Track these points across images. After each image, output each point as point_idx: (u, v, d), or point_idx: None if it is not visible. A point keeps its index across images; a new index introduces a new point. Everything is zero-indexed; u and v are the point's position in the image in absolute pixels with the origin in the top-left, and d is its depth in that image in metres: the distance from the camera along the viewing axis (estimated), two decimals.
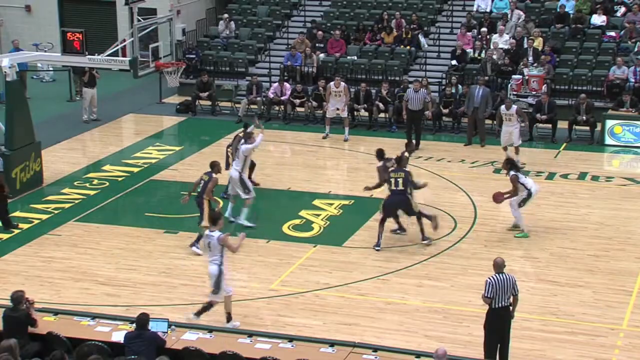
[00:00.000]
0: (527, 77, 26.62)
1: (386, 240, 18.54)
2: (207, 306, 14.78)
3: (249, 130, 20.10)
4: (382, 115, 26.67)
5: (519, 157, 22.44)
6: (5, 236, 19.01)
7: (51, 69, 31.88)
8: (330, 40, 29.65)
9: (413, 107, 24.60)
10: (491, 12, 30.39)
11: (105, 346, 12.74)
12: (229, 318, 14.83)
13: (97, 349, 12.47)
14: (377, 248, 18.11)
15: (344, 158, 24.40)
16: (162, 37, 25.96)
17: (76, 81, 29.33)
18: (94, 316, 13.97)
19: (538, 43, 27.91)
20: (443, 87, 27.11)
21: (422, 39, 29.76)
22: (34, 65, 30.42)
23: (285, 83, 27.78)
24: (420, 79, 25.82)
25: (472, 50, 28.63)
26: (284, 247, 18.29)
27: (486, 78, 26.32)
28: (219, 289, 14.68)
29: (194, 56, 29.85)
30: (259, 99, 27.62)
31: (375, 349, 13.01)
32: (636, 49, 27.50)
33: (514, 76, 26.91)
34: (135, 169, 23.20)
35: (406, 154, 19.23)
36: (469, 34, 29.17)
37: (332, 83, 25.74)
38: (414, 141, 23.44)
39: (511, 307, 13.24)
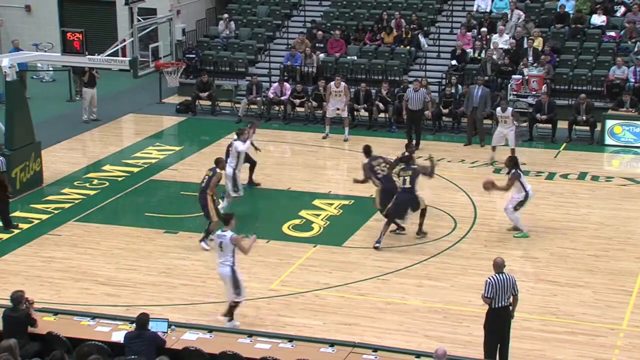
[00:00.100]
0: (527, 77, 26.62)
1: (386, 240, 18.53)
2: (234, 304, 14.75)
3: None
4: (382, 115, 26.67)
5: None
6: (5, 236, 19.01)
7: (51, 69, 31.88)
8: (330, 40, 29.65)
9: (413, 107, 24.61)
10: (491, 12, 30.39)
11: (105, 346, 12.75)
12: (230, 317, 14.83)
13: (97, 349, 12.47)
14: (377, 245, 18.11)
15: (344, 158, 24.40)
16: (162, 37, 25.97)
17: (76, 81, 29.33)
18: (94, 316, 13.98)
19: (538, 43, 27.91)
20: (443, 87, 27.11)
21: (422, 39, 29.76)
22: (34, 65, 30.42)
23: (285, 83, 27.78)
24: (420, 79, 25.83)
25: (472, 50, 28.63)
26: (284, 247, 18.28)
27: (486, 78, 26.32)
28: (240, 288, 14.68)
29: (194, 56, 29.85)
30: (259, 99, 27.61)
31: (375, 349, 13.01)
32: (636, 49, 27.50)
33: (514, 76, 26.91)
34: (135, 169, 23.20)
35: (406, 154, 19.27)
36: (469, 34, 29.17)
37: (332, 83, 25.74)
38: (414, 141, 23.47)
39: (511, 307, 13.25)
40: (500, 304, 13.04)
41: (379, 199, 18.77)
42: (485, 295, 13.01)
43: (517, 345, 13.89)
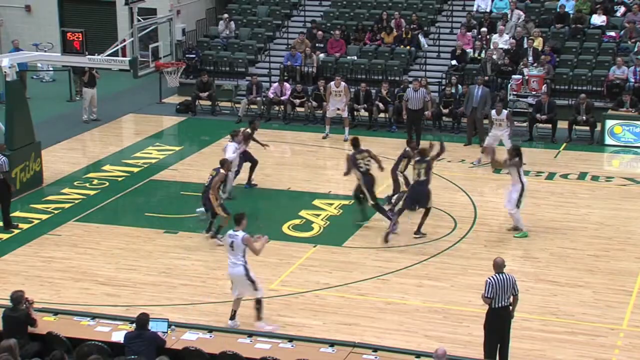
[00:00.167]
0: (527, 77, 26.62)
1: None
2: (258, 305, 14.73)
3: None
4: (382, 115, 26.68)
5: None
6: (5, 236, 19.01)
7: (51, 69, 31.88)
8: (330, 40, 29.65)
9: (413, 107, 24.64)
10: (491, 12, 30.39)
11: (105, 346, 12.75)
12: (232, 316, 14.83)
13: (97, 349, 12.47)
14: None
15: (344, 158, 24.35)
16: (162, 37, 25.98)
17: (76, 81, 29.33)
18: (94, 316, 13.97)
19: (538, 43, 27.91)
20: (443, 87, 27.11)
21: (422, 39, 29.76)
22: (34, 65, 30.42)
23: (285, 83, 27.79)
24: (419, 79, 25.85)
25: (472, 50, 28.63)
26: (284, 247, 18.28)
27: (486, 78, 26.32)
28: (255, 283, 14.68)
29: (194, 56, 29.85)
30: (259, 99, 27.62)
31: (375, 349, 13.01)
32: (636, 49, 27.50)
33: (514, 76, 26.91)
34: (135, 169, 23.20)
35: (408, 148, 19.51)
36: (469, 34, 29.17)
37: (332, 83, 25.76)
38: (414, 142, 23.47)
39: (511, 307, 13.24)
40: (500, 304, 13.03)
41: (367, 193, 18.99)
42: (485, 295, 13.01)
43: (517, 345, 13.89)
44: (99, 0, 34.05)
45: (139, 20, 23.01)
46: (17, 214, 19.87)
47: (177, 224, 19.63)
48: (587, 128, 25.19)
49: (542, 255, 17.87)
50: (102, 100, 27.80)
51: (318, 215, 19.95)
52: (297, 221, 19.62)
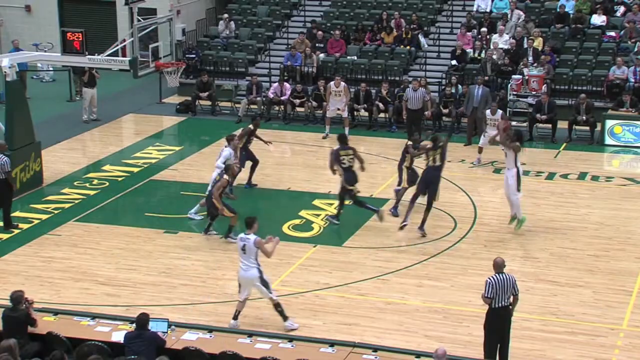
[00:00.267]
0: (527, 77, 26.62)
1: (385, 240, 18.58)
2: (278, 306, 14.72)
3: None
4: (382, 115, 26.68)
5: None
6: (5, 236, 19.00)
7: (51, 69, 31.88)
8: (330, 40, 29.65)
9: (412, 107, 24.67)
10: (491, 12, 30.39)
11: (105, 346, 12.75)
12: (235, 317, 14.84)
13: (97, 349, 12.47)
14: (405, 223, 18.72)
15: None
16: (162, 37, 25.97)
17: (76, 81, 29.33)
18: (94, 316, 13.98)
19: (538, 43, 27.91)
20: (443, 87, 27.11)
21: (422, 39, 29.76)
22: (34, 65, 30.41)
23: (285, 83, 27.79)
24: (418, 79, 25.86)
25: (472, 50, 28.63)
26: (284, 247, 18.17)
27: (486, 78, 26.32)
28: (269, 286, 14.71)
29: (194, 56, 29.85)
30: (259, 99, 27.62)
31: (375, 349, 13.02)
32: (636, 49, 27.50)
33: (514, 76, 26.91)
34: (135, 169, 23.20)
35: (409, 143, 19.84)
36: (469, 34, 29.17)
37: (332, 83, 25.76)
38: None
39: (511, 307, 13.24)
40: (500, 304, 13.03)
41: (344, 187, 19.18)
42: (486, 295, 13.01)
43: (517, 345, 13.89)
44: (99, 0, 34.05)
45: (139, 20, 23.01)
46: (17, 214, 19.86)
47: (177, 224, 19.63)
48: (587, 128, 25.19)
49: (542, 255, 17.87)
50: (102, 100, 27.80)
51: (318, 215, 19.94)
52: (297, 221, 19.62)
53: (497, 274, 13.08)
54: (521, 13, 29.77)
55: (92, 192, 21.54)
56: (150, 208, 20.69)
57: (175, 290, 16.45)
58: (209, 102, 28.20)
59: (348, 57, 29.24)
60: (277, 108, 27.62)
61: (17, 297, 13.19)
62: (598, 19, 29.00)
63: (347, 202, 19.45)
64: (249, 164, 21.39)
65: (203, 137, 26.13)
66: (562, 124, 25.10)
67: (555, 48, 28.16)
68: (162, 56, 24.94)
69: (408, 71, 28.86)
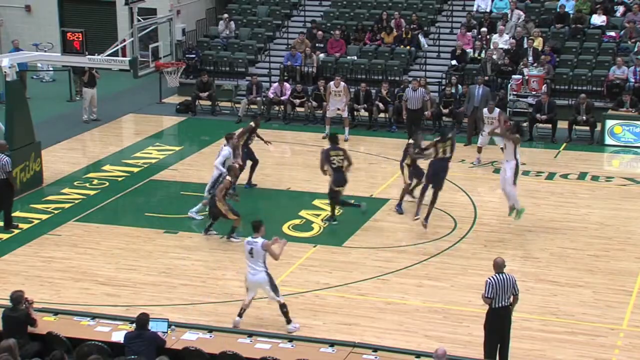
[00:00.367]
0: (527, 77, 26.62)
1: (385, 240, 18.59)
2: (284, 307, 14.70)
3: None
4: (382, 115, 26.68)
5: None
6: (5, 236, 19.00)
7: (51, 69, 31.88)
8: (330, 40, 29.65)
9: (412, 106, 24.68)
10: (491, 12, 30.39)
11: (105, 346, 12.75)
12: (240, 314, 14.84)
13: (97, 349, 12.47)
14: (417, 217, 18.91)
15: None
16: (162, 37, 25.97)
17: (76, 81, 29.33)
18: (94, 316, 13.97)
19: (538, 43, 27.91)
20: (443, 87, 27.11)
21: (422, 39, 29.76)
22: (34, 65, 30.41)
23: (285, 83, 27.79)
24: (418, 79, 25.87)
25: (472, 50, 28.63)
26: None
27: (486, 78, 26.31)
28: (277, 289, 14.71)
29: (194, 56, 29.85)
30: (259, 99, 27.62)
31: (375, 349, 13.02)
32: (636, 49, 27.50)
33: (514, 76, 26.91)
34: (135, 169, 23.20)
35: (411, 141, 19.92)
36: (469, 34, 29.17)
37: (331, 83, 25.75)
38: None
39: (511, 307, 13.24)
40: (500, 304, 13.03)
41: (332, 187, 19.25)
42: (486, 295, 13.01)
43: (517, 345, 13.89)
44: (99, 0, 34.05)
45: (139, 20, 23.01)
46: (17, 214, 19.85)
47: (177, 224, 19.63)
48: (587, 128, 25.19)
49: (542, 255, 17.86)
50: (102, 100, 27.80)
51: (318, 215, 19.94)
52: (297, 221, 19.62)
53: (497, 274, 13.08)
54: (521, 13, 29.78)
55: (92, 192, 21.54)
56: (150, 208, 20.69)
57: (175, 290, 16.45)
58: (209, 102, 28.20)
59: (348, 57, 29.24)
60: (277, 108, 27.62)
61: (17, 297, 13.19)
62: (598, 19, 29.01)
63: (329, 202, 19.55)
64: (249, 163, 21.38)
65: (203, 137, 26.12)
66: (562, 124, 25.11)
67: (555, 48, 28.17)
68: (162, 56, 24.93)
69: (408, 71, 28.86)
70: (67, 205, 20.66)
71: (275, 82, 28.06)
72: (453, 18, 30.95)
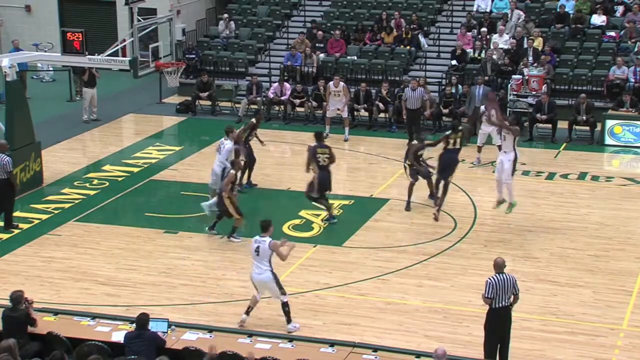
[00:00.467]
0: (527, 77, 26.61)
1: (385, 240, 18.58)
2: (286, 307, 14.70)
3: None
4: (382, 115, 26.67)
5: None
6: (5, 236, 19.00)
7: (51, 69, 31.88)
8: (330, 40, 29.65)
9: (411, 106, 24.69)
10: (491, 12, 30.39)
11: (105, 346, 12.75)
12: (248, 312, 14.84)
13: (97, 349, 12.47)
14: (438, 209, 19.14)
15: (344, 158, 24.36)
16: (162, 37, 25.97)
17: (76, 81, 29.33)
18: (94, 316, 13.98)
19: (538, 43, 27.91)
20: (443, 87, 27.11)
21: (422, 39, 29.76)
22: (34, 65, 30.41)
23: (285, 83, 27.79)
24: (417, 78, 25.86)
25: (472, 50, 28.63)
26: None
27: (486, 78, 26.31)
28: (282, 288, 14.70)
29: (194, 56, 29.85)
30: (259, 99, 27.62)
31: (375, 349, 13.03)
32: (636, 49, 27.50)
33: (514, 76, 26.90)
34: (135, 169, 23.20)
35: (415, 142, 20.06)
36: (469, 34, 29.17)
37: (331, 82, 25.75)
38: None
39: (511, 306, 13.24)
40: (500, 304, 13.03)
41: (316, 187, 19.25)
42: (486, 295, 13.01)
43: (517, 345, 13.89)
44: (99, 0, 34.05)
45: (139, 20, 23.01)
46: (17, 214, 19.84)
47: (177, 224, 19.63)
48: (587, 128, 25.19)
49: (542, 255, 17.86)
50: (102, 100, 27.80)
51: (318, 215, 19.93)
52: (297, 221, 19.62)
53: (497, 274, 13.08)
54: (521, 13, 29.78)
55: (92, 192, 21.53)
56: (150, 208, 20.69)
57: (175, 290, 16.44)
58: (209, 102, 28.20)
59: (348, 57, 29.24)
60: (277, 108, 27.62)
61: (17, 297, 13.20)
62: (598, 19, 29.01)
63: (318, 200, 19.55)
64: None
65: (203, 137, 26.12)
66: (562, 124, 25.10)
67: (555, 48, 28.16)
68: (162, 56, 24.95)
69: (408, 71, 28.86)
70: (67, 205, 20.66)
71: (275, 82, 28.07)
72: (453, 18, 30.95)
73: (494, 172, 22.28)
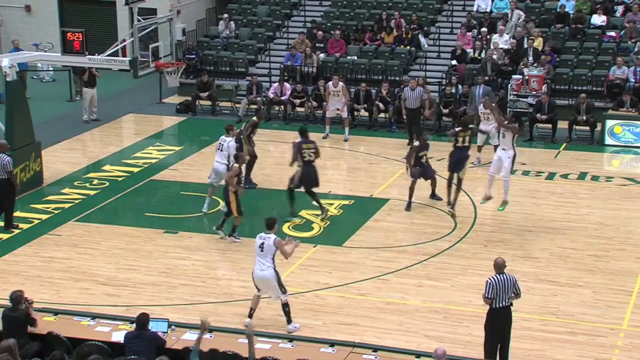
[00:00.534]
0: (527, 77, 26.60)
1: (385, 240, 18.58)
2: (286, 308, 14.70)
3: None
4: (382, 115, 26.67)
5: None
6: (5, 236, 19.00)
7: (51, 69, 31.88)
8: (330, 40, 29.65)
9: (410, 106, 24.68)
10: (491, 12, 30.39)
11: (105, 346, 12.75)
12: (250, 314, 14.86)
13: (97, 349, 12.48)
14: (451, 210, 19.28)
15: (344, 158, 24.39)
16: (162, 37, 25.96)
17: (76, 81, 29.33)
18: (94, 316, 13.99)
19: (538, 43, 27.90)
20: (443, 87, 27.10)
21: (422, 39, 29.76)
22: (34, 65, 30.40)
23: (285, 83, 27.79)
24: (417, 78, 25.86)
25: (472, 50, 28.63)
26: None
27: (486, 78, 26.31)
28: (284, 287, 14.70)
29: (194, 56, 29.85)
30: (259, 99, 27.62)
31: (375, 349, 13.03)
32: (636, 49, 27.50)
33: (514, 76, 26.89)
34: (135, 169, 23.20)
35: (416, 143, 20.20)
36: (469, 34, 29.17)
37: (330, 82, 25.74)
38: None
39: (511, 306, 13.24)
40: (500, 304, 13.03)
41: (297, 180, 19.37)
42: (486, 295, 13.00)
43: (517, 345, 13.89)
44: (99, 0, 34.05)
45: (139, 20, 23.00)
46: (17, 214, 19.83)
47: (177, 224, 19.63)
48: (587, 128, 25.19)
49: (542, 255, 17.86)
50: (102, 100, 27.80)
51: (318, 215, 19.93)
52: (297, 221, 19.61)
53: (497, 274, 13.07)
54: (521, 13, 29.78)
55: (92, 192, 21.54)
56: (150, 208, 20.68)
57: (175, 290, 16.45)
58: (209, 102, 28.20)
59: (348, 57, 29.24)
60: (277, 108, 27.63)
61: (17, 297, 13.20)
62: (598, 19, 29.01)
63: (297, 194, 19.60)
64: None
65: (203, 137, 26.10)
66: (562, 124, 25.10)
67: (555, 48, 28.16)
68: (162, 56, 24.94)
69: (408, 71, 28.85)
70: (67, 205, 20.66)
71: (275, 82, 28.07)
72: (453, 18, 30.94)
73: None
